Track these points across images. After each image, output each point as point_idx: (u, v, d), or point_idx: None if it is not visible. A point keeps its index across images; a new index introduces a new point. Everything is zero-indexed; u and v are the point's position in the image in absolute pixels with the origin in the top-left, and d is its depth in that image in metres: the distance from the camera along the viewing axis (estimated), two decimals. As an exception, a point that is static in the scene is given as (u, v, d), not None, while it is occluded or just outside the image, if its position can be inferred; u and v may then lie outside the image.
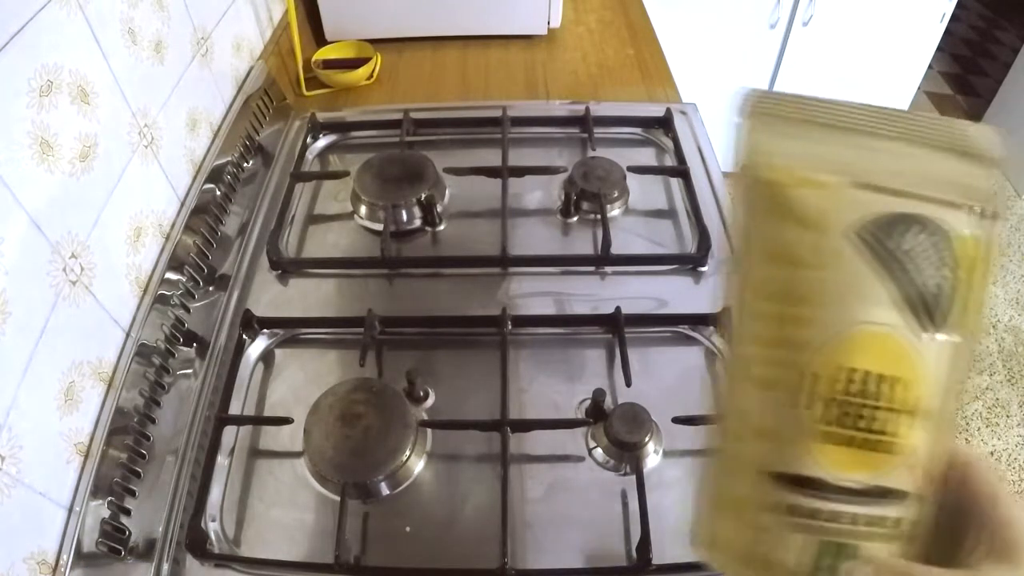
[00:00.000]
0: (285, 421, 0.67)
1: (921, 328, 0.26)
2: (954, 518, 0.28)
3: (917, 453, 0.27)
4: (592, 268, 0.84)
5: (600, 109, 1.05)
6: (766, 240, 0.27)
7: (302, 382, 0.73)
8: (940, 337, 0.26)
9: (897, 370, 0.26)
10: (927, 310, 0.26)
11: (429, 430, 0.68)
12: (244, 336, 0.76)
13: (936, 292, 0.26)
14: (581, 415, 0.69)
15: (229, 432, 0.68)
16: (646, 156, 1.01)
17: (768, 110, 0.28)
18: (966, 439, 1.73)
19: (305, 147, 1.00)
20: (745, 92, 0.28)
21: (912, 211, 0.26)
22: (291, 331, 0.78)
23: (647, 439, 0.65)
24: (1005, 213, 0.27)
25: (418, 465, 0.66)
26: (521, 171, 0.91)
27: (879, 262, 0.26)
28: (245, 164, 0.92)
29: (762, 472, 0.27)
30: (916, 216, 0.26)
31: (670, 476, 0.65)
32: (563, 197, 0.91)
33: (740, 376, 0.28)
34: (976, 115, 2.69)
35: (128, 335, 0.67)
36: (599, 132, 1.00)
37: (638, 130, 1.04)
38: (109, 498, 0.58)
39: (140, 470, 0.62)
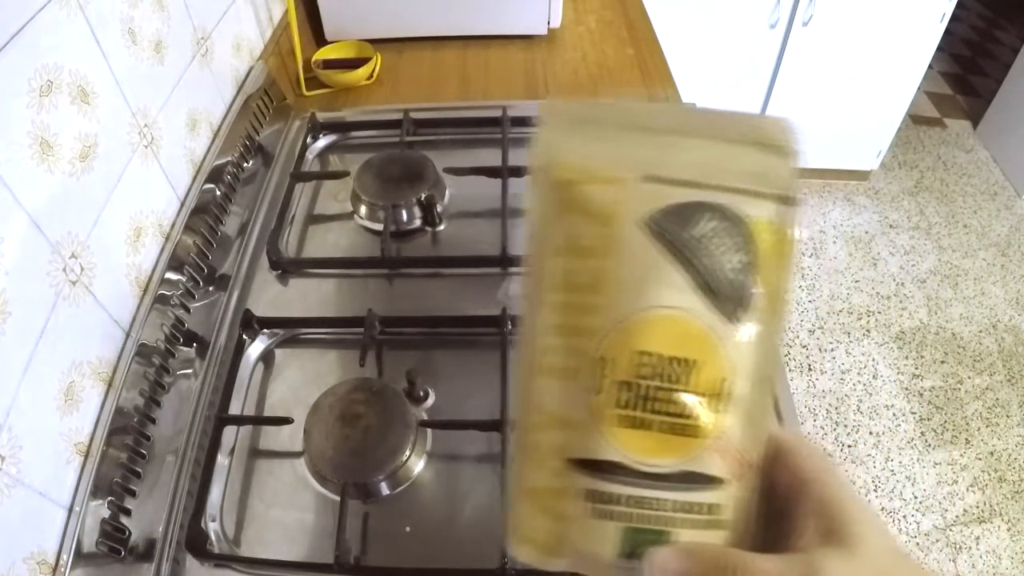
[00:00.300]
0: (285, 421, 0.67)
1: (720, 312, 0.26)
2: (783, 503, 0.28)
3: (727, 438, 0.26)
4: (592, 268, 0.84)
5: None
6: (557, 235, 0.27)
7: (302, 382, 0.73)
8: (744, 322, 0.26)
9: (693, 352, 0.26)
10: (725, 295, 0.26)
11: (429, 430, 0.68)
12: (244, 336, 0.76)
13: (734, 277, 0.26)
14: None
15: (229, 432, 0.68)
16: (646, 156, 1.01)
17: (563, 115, 0.28)
18: (966, 439, 1.73)
19: (305, 147, 1.00)
20: (543, 104, 0.28)
21: (704, 200, 0.26)
22: (291, 331, 0.78)
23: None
24: (801, 199, 0.28)
25: (418, 465, 0.66)
26: (521, 171, 0.91)
27: (669, 249, 0.26)
28: (245, 164, 0.92)
29: (561, 459, 0.26)
30: (709, 204, 0.26)
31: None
32: (563, 197, 0.91)
33: (535, 367, 0.27)
34: (976, 115, 2.69)
35: (128, 335, 0.67)
36: (599, 132, 1.00)
37: (638, 130, 1.04)
38: (109, 498, 0.58)
39: (140, 470, 0.62)
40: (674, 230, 0.26)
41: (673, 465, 0.26)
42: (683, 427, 0.26)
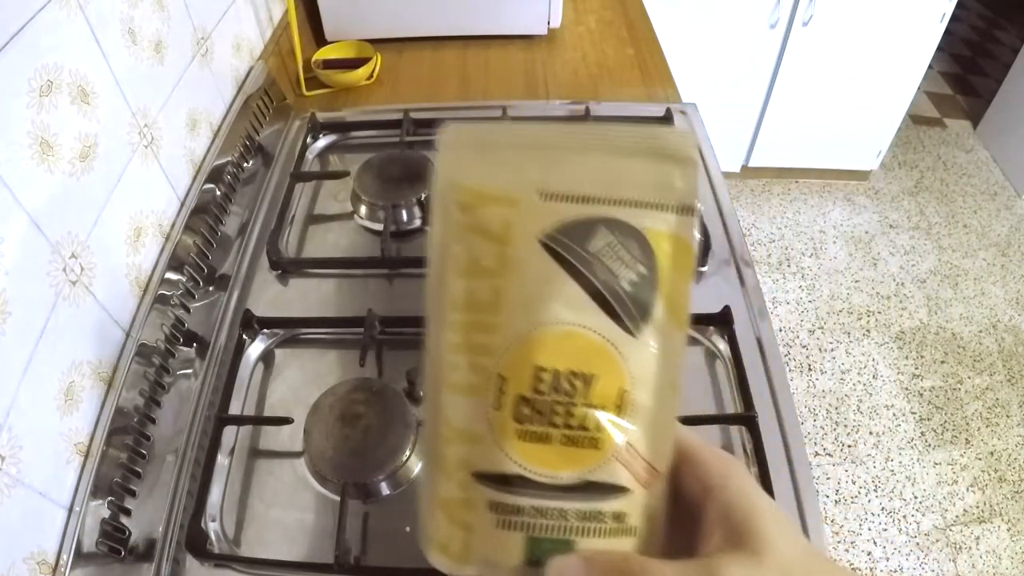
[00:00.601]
0: (285, 421, 0.67)
1: (619, 325, 0.27)
2: (691, 509, 0.28)
3: (629, 447, 0.27)
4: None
5: (600, 109, 1.05)
6: (458, 256, 0.27)
7: (302, 382, 0.73)
8: (644, 333, 0.27)
9: (591, 366, 0.26)
10: (623, 308, 0.27)
11: (429, 430, 0.68)
12: (244, 336, 0.76)
13: (632, 291, 0.27)
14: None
15: (229, 432, 0.68)
16: (646, 156, 1.01)
17: (462, 139, 0.29)
18: (966, 439, 1.73)
19: (305, 147, 1.00)
20: (443, 129, 0.29)
21: (601, 215, 0.27)
22: (291, 331, 0.78)
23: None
24: (697, 208, 0.28)
25: (418, 465, 0.66)
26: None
27: (564, 265, 0.26)
28: (245, 164, 0.92)
29: (466, 472, 0.27)
30: (605, 219, 0.27)
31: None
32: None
33: (441, 383, 0.28)
34: (976, 115, 2.69)
35: (128, 335, 0.67)
36: (599, 132, 1.00)
37: (638, 130, 1.04)
38: (109, 498, 0.58)
39: (140, 470, 0.62)
40: (569, 246, 0.26)
41: (575, 476, 0.26)
42: (583, 439, 0.26)
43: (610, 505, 0.27)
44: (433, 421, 0.28)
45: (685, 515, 0.28)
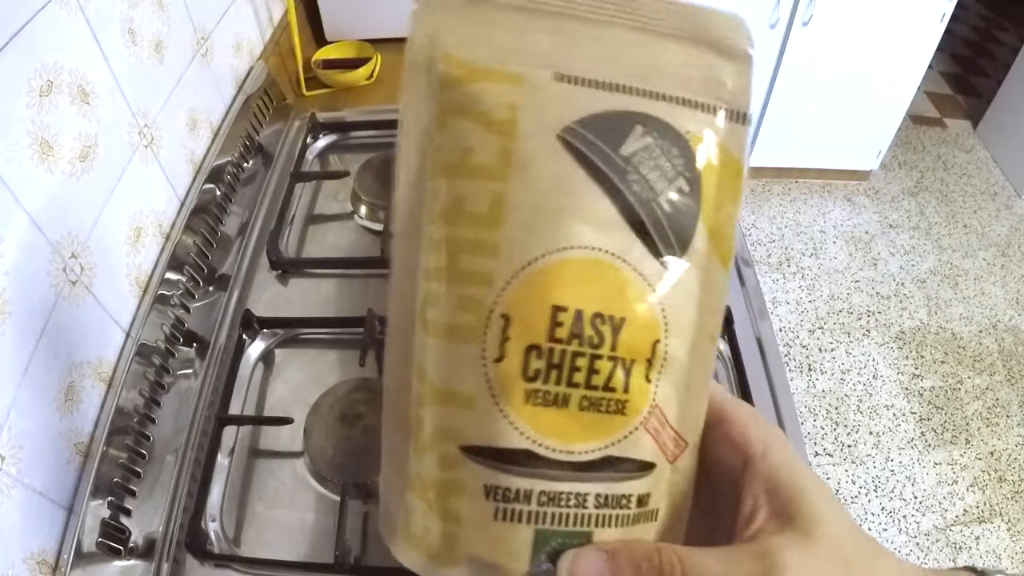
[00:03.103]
0: (285, 421, 0.67)
1: (653, 255, 0.20)
2: (724, 482, 0.23)
3: (659, 413, 0.21)
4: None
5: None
6: (442, 148, 0.20)
7: (302, 382, 0.73)
8: (680, 265, 0.21)
9: (620, 308, 0.20)
10: (660, 232, 0.20)
11: (429, 430, 0.68)
12: (244, 336, 0.75)
13: (672, 210, 0.20)
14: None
15: (229, 432, 0.68)
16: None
17: None
18: (966, 439, 1.73)
19: (305, 147, 1.00)
20: None
21: (636, 109, 0.21)
22: (291, 331, 0.78)
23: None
24: (749, 115, 0.22)
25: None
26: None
27: (590, 171, 0.20)
28: (245, 164, 0.92)
29: (452, 445, 0.21)
30: (641, 115, 0.21)
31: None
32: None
33: (412, 321, 0.21)
34: (976, 115, 2.69)
35: (128, 335, 0.67)
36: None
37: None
38: (109, 498, 0.58)
39: (140, 470, 0.62)
40: (597, 146, 0.20)
41: (595, 450, 0.20)
42: (608, 402, 0.20)
43: (634, 486, 0.21)
44: (399, 372, 0.22)
45: (709, 487, 0.24)
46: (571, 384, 0.20)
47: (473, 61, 0.20)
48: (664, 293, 0.20)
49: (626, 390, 0.20)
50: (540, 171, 0.20)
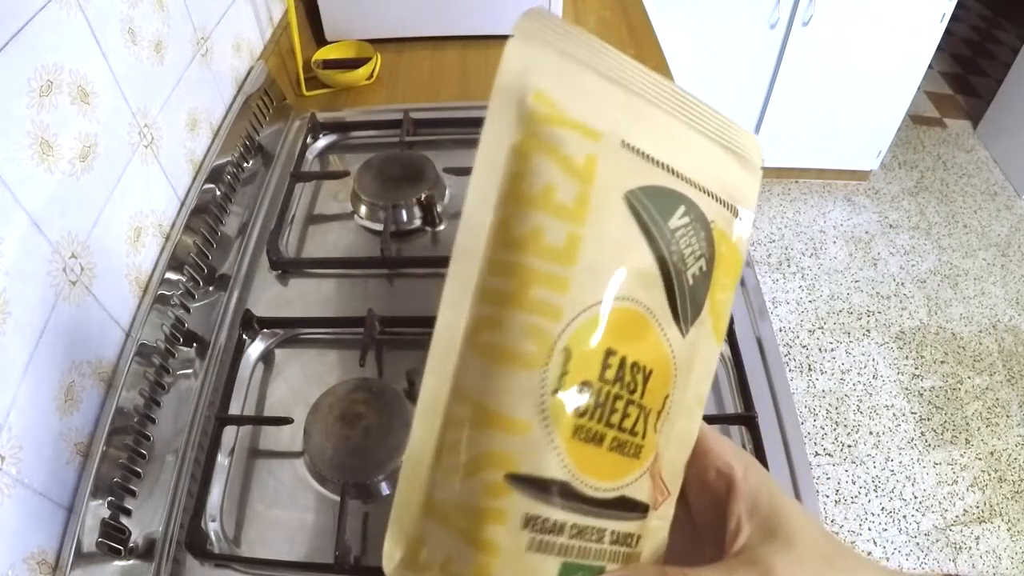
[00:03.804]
0: (285, 421, 0.67)
1: (675, 319, 0.23)
2: (706, 508, 0.26)
3: (656, 461, 0.23)
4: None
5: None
6: (529, 177, 0.21)
7: (302, 382, 0.73)
8: (692, 335, 0.23)
9: (651, 360, 0.22)
10: (683, 301, 0.23)
11: (429, 430, 0.68)
12: (244, 336, 0.76)
13: (694, 283, 0.23)
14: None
15: (229, 432, 0.68)
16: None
17: (542, 35, 0.22)
18: (966, 439, 1.73)
19: (305, 147, 1.00)
20: (527, 11, 0.22)
21: (679, 190, 0.23)
22: (291, 331, 0.78)
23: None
24: (753, 216, 0.26)
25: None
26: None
27: (646, 234, 0.22)
28: (245, 164, 0.92)
29: (499, 472, 0.20)
30: (683, 196, 0.23)
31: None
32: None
33: (464, 342, 0.21)
34: (976, 115, 2.69)
35: (128, 335, 0.67)
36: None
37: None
38: (109, 498, 0.58)
39: (140, 470, 0.62)
40: (652, 214, 0.22)
41: (614, 489, 0.22)
42: (630, 445, 0.22)
43: (634, 526, 0.23)
44: (444, 393, 0.21)
45: (698, 513, 0.27)
46: (608, 424, 0.21)
47: (561, 105, 0.21)
48: (678, 352, 0.23)
49: (644, 436, 0.22)
50: (609, 222, 0.21)
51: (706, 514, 0.26)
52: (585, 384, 0.21)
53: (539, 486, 0.20)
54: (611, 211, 0.21)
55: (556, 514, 0.20)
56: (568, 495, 0.21)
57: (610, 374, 0.21)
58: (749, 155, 0.26)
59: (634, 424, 0.22)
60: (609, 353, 0.21)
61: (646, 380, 0.22)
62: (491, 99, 0.21)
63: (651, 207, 0.22)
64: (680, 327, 0.23)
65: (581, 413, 0.21)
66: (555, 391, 0.20)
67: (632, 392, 0.21)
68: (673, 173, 0.23)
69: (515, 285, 0.21)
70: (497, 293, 0.21)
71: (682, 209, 0.23)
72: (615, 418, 0.21)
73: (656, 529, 0.24)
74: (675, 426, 0.24)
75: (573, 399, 0.20)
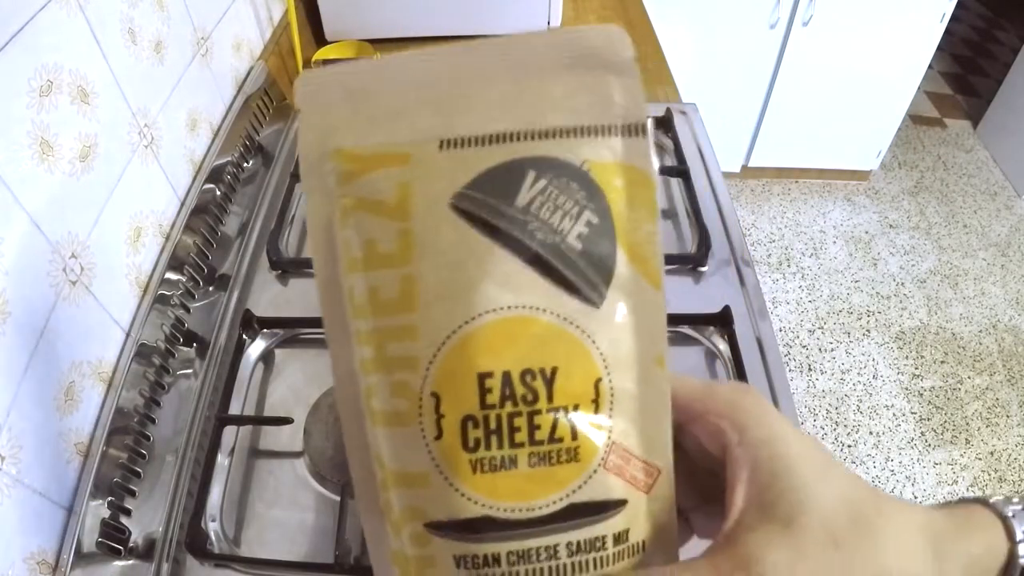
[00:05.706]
0: (285, 421, 0.67)
1: (575, 296, 0.20)
2: (711, 475, 0.23)
3: (619, 449, 0.21)
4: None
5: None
6: (348, 245, 0.21)
7: (302, 382, 0.73)
8: (610, 299, 0.21)
9: (549, 359, 0.20)
10: (576, 271, 0.20)
11: (429, 430, 0.68)
12: (244, 336, 0.75)
13: (583, 246, 0.20)
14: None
15: (229, 432, 0.68)
16: (646, 156, 1.01)
17: (324, 90, 0.21)
18: (966, 439, 1.73)
19: (305, 147, 1.00)
20: (300, 79, 0.22)
21: (524, 155, 0.20)
22: (291, 331, 0.78)
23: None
24: (647, 124, 0.22)
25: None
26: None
27: (486, 232, 0.20)
28: (245, 164, 0.92)
29: (417, 524, 0.21)
30: (531, 160, 0.20)
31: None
32: (563, 197, 0.91)
33: (358, 415, 0.22)
34: (976, 115, 2.69)
35: (128, 335, 0.67)
36: (599, 132, 1.00)
37: (638, 130, 1.04)
38: (109, 498, 0.58)
39: (140, 470, 0.62)
40: (489, 204, 0.20)
41: (556, 501, 0.21)
42: (558, 453, 0.20)
43: (607, 526, 0.21)
44: (362, 460, 0.22)
45: (701, 486, 0.24)
46: (514, 445, 0.20)
47: (362, 149, 0.20)
48: (593, 329, 0.21)
49: (574, 437, 0.21)
50: (440, 245, 0.20)
51: (711, 483, 0.23)
52: (468, 419, 0.20)
53: (458, 527, 0.20)
54: (440, 230, 0.20)
55: (486, 548, 0.20)
56: (495, 526, 0.20)
57: (492, 398, 0.20)
58: (608, 55, 0.22)
59: (552, 431, 0.20)
60: (484, 377, 0.20)
61: (550, 381, 0.20)
62: (301, 178, 0.22)
63: (483, 198, 0.20)
64: (586, 300, 0.20)
65: (473, 448, 0.20)
66: (436, 437, 0.20)
67: (533, 402, 0.20)
68: (512, 139, 0.20)
69: (373, 351, 0.21)
70: (365, 362, 0.21)
71: (531, 176, 0.20)
72: (520, 436, 0.20)
73: (656, 513, 0.22)
74: (635, 400, 0.21)
75: (457, 438, 0.20)
